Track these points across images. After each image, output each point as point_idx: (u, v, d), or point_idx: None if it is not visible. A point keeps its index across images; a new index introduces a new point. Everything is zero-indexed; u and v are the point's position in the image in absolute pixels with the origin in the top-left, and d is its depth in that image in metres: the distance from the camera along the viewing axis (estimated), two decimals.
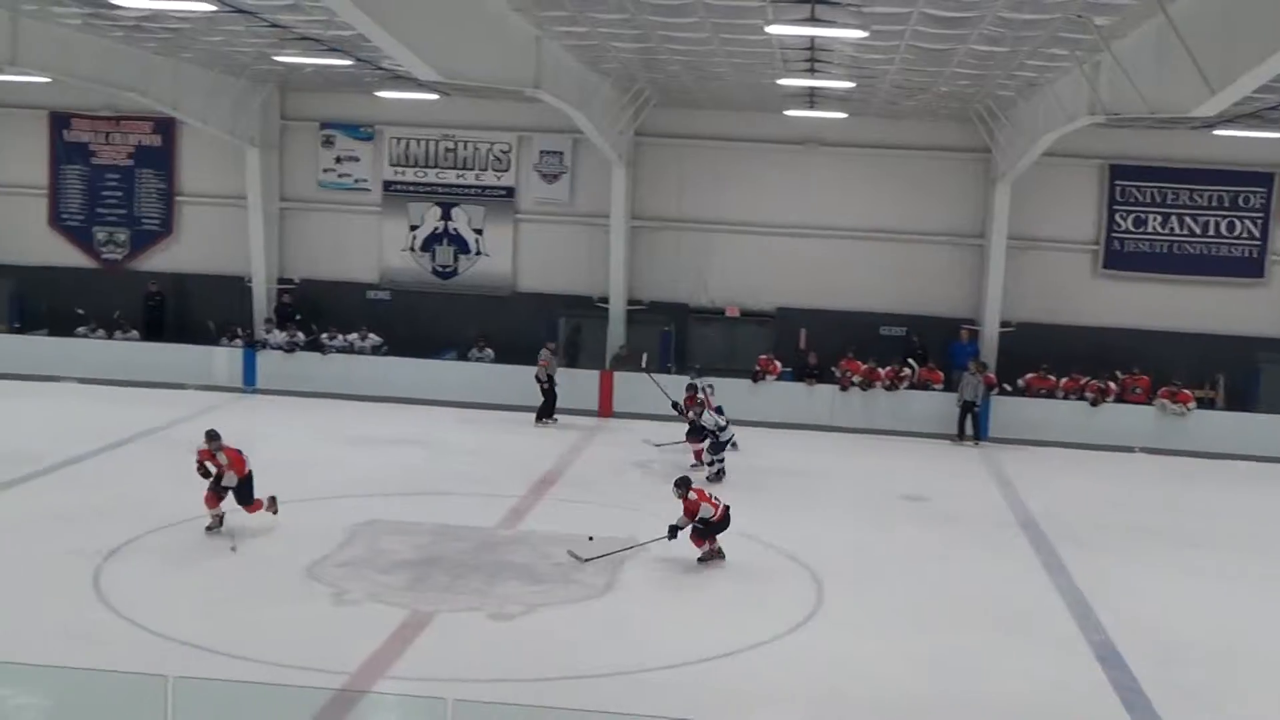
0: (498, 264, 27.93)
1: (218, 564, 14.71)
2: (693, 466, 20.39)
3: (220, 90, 25.01)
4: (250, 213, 27.45)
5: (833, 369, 25.44)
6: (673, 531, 15.27)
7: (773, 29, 15.33)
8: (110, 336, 26.97)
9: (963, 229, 26.78)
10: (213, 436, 15.69)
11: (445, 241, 28.07)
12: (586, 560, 15.01)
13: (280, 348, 26.17)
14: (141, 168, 28.34)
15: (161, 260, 28.45)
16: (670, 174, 27.38)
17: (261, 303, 27.75)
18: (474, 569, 14.79)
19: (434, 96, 25.89)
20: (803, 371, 25.56)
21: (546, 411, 23.99)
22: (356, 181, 28.14)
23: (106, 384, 25.16)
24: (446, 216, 28.00)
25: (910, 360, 25.65)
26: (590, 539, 15.54)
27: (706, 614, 13.74)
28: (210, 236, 28.27)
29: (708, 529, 15.41)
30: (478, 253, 28.03)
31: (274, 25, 18.23)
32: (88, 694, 9.19)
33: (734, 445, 20.81)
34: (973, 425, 24.24)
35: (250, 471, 15.73)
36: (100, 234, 28.53)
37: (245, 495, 15.73)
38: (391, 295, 28.09)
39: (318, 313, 27.37)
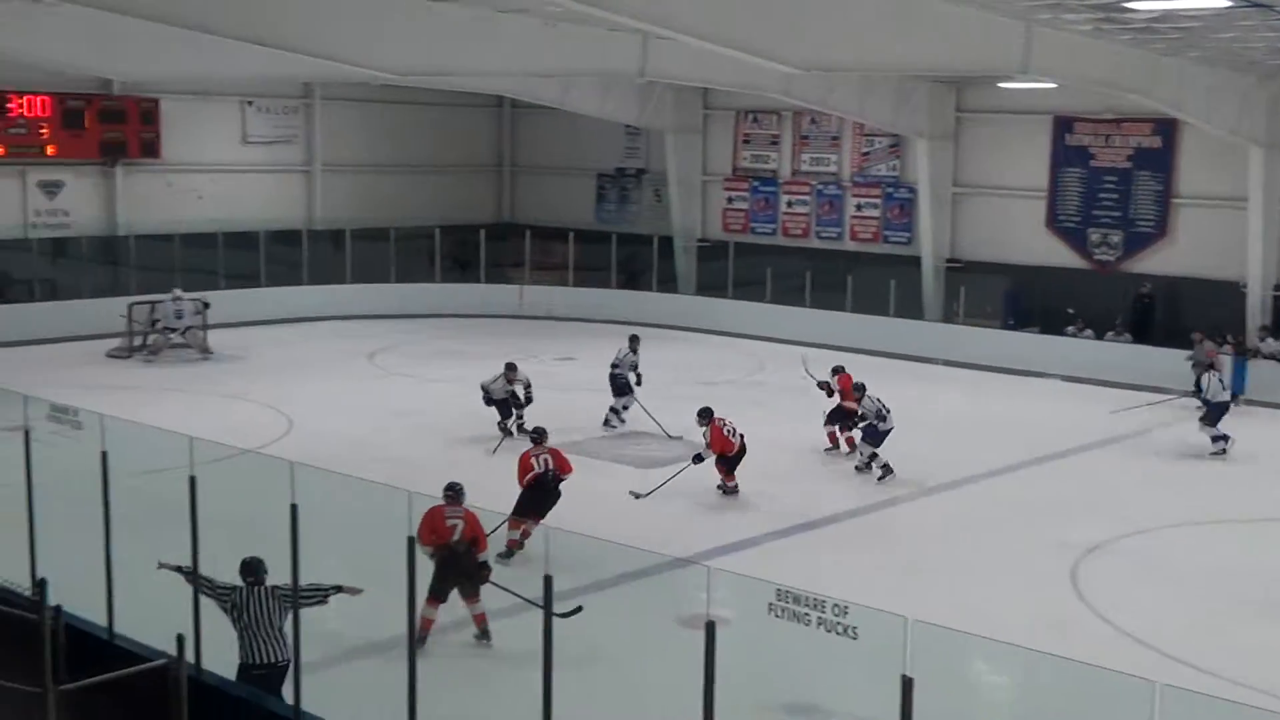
0: None
1: (1196, 577, 14.32)
2: (826, 450, 19.36)
3: (1223, 88, 24.18)
4: (1250, 215, 26.27)
5: None
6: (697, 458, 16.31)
7: None
8: (1099, 337, 27.30)
9: None
10: None
11: None
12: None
13: (1274, 357, 24.81)
14: (1139, 170, 28.26)
15: (1154, 263, 28.20)
16: None
17: (1255, 309, 26.47)
18: None
19: None
20: None
21: None
22: None
23: (1091, 383, 25.48)
24: None
25: None
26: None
27: None
28: (1205, 239, 27.49)
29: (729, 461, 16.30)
30: None
31: None
32: (1059, 680, 9.41)
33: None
34: None
35: None
36: (1094, 235, 28.93)
37: None
38: None
39: None
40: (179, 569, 9.53)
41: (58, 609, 8.14)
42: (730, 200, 33.51)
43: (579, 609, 9.98)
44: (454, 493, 11.92)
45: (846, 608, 6.04)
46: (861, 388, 18.63)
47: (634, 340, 21.51)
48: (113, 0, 19.79)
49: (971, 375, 26.44)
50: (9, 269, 28.26)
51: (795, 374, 21.28)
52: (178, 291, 26.07)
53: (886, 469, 17.96)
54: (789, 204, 32.68)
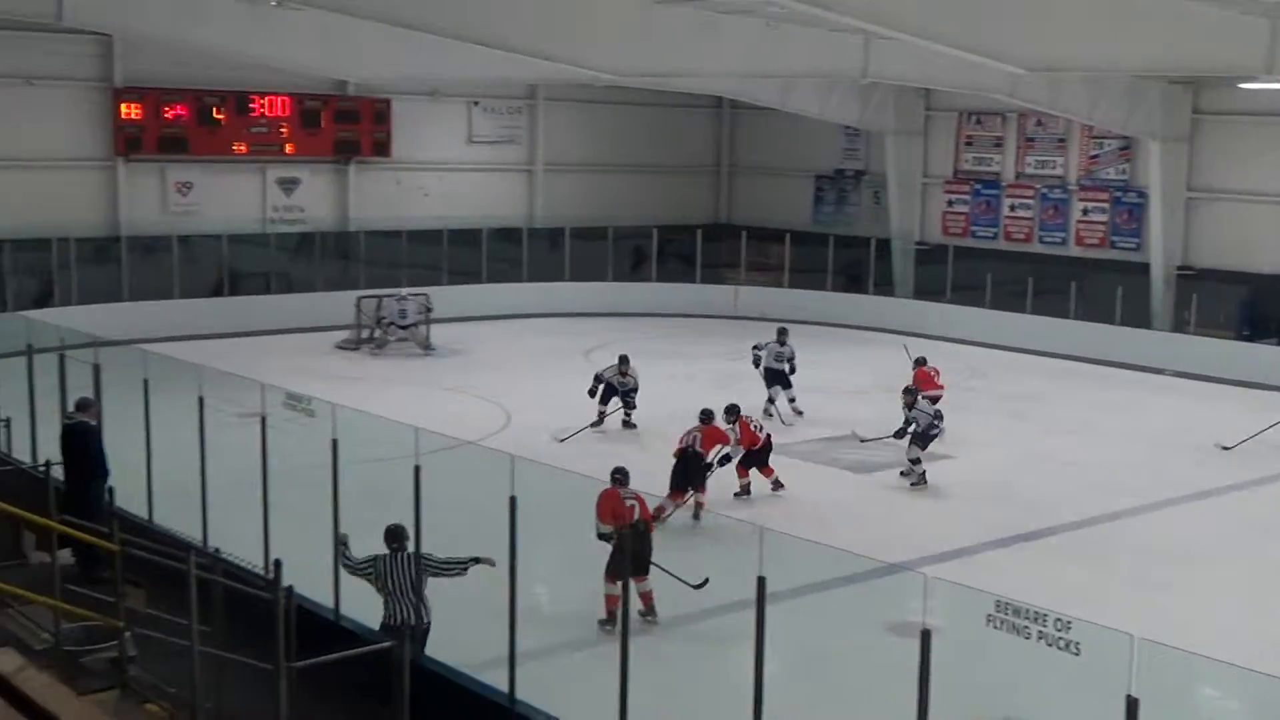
0: None
1: None
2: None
3: None
4: None
5: None
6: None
7: None
8: None
9: None
10: None
11: None
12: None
13: None
14: None
15: None
16: None
17: None
18: None
19: None
20: None
21: None
22: None
23: None
24: None
25: None
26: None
27: None
28: None
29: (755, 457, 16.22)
30: None
31: None
32: None
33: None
34: None
35: None
36: None
37: None
38: None
39: None
40: (339, 540, 10.11)
41: (289, 589, 8.48)
42: (950, 203, 32.91)
43: (706, 581, 11.06)
44: (621, 476, 12.30)
45: (1069, 623, 5.87)
46: (913, 391, 18.08)
47: (781, 332, 21.50)
48: (350, 4, 20.56)
49: (1202, 387, 25.36)
50: (248, 262, 29.60)
51: (1013, 380, 20.80)
52: (404, 291, 26.96)
53: (922, 478, 17.38)
54: (1011, 207, 31.90)
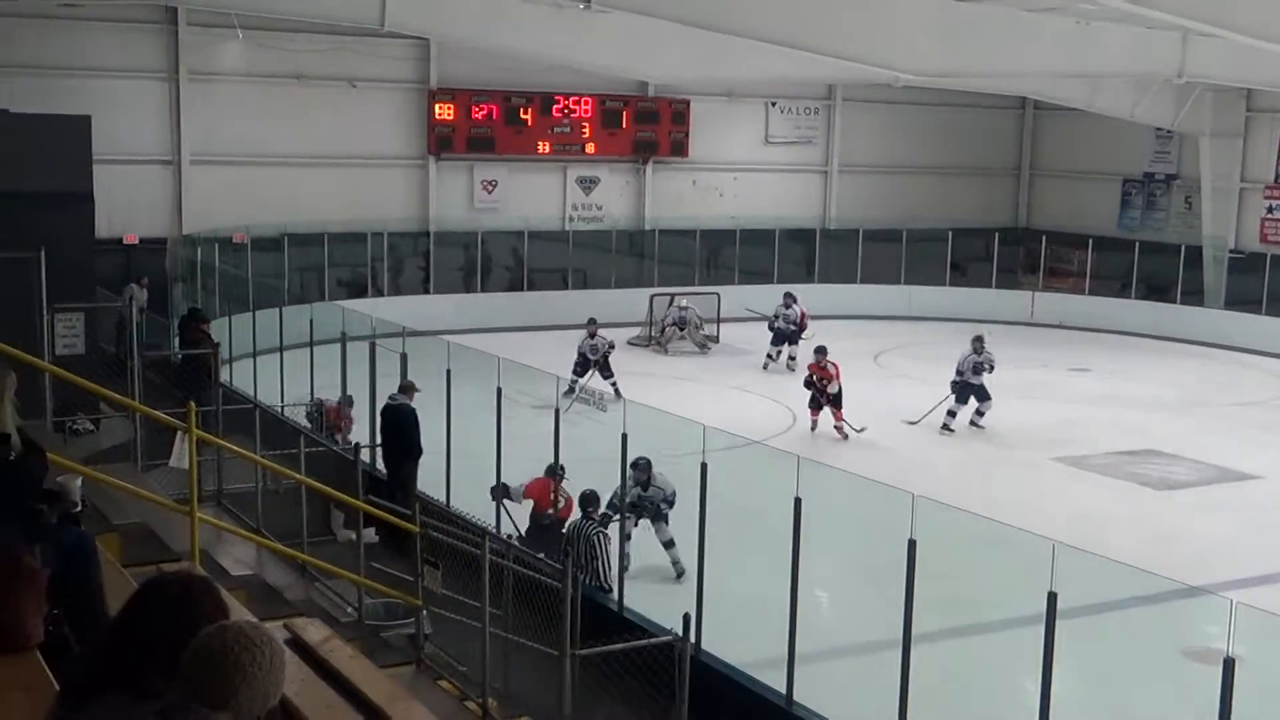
0: None
1: None
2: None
3: None
4: None
5: None
6: None
7: None
8: None
9: None
10: None
11: None
12: None
13: None
14: None
15: None
16: None
17: None
18: None
19: None
20: None
21: None
22: None
23: None
24: None
25: None
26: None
27: None
28: None
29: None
30: None
31: None
32: None
33: None
34: None
35: None
36: None
37: None
38: None
39: None
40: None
41: (576, 580, 8.72)
42: (1270, 209, 31.01)
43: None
44: (561, 472, 12.35)
45: None
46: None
47: (977, 340, 20.39)
48: (652, 6, 20.93)
49: None
50: (547, 259, 30.48)
51: None
52: (683, 301, 27.31)
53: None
54: None
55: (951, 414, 20.00)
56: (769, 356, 24.88)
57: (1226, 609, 6.25)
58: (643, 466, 11.87)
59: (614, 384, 20.74)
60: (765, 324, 25.15)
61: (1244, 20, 16.10)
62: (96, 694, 3.28)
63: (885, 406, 21.12)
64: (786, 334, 24.81)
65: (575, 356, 21.40)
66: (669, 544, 12.49)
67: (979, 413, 20.01)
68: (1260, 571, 14.01)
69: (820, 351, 19.78)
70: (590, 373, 20.97)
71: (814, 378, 19.50)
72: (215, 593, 3.48)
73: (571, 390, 19.58)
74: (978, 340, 20.40)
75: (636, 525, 12.10)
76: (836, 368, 19.45)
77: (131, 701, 3.21)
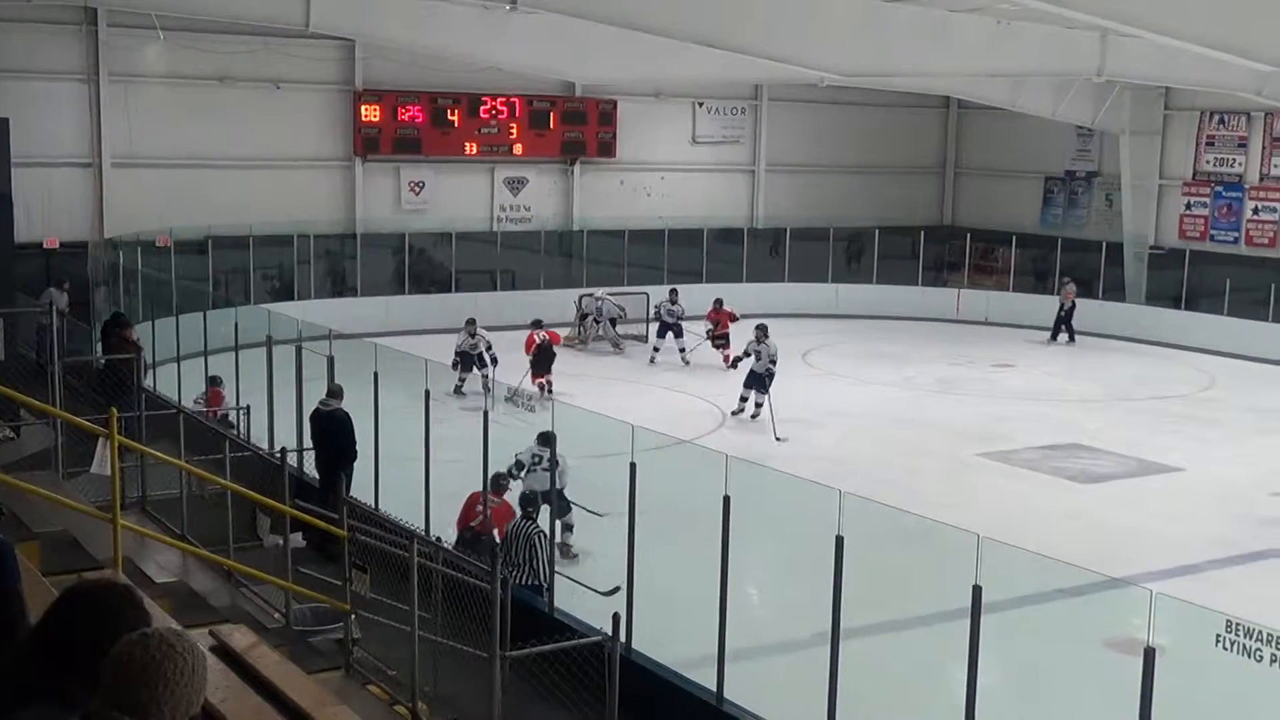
0: None
1: None
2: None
3: None
4: None
5: None
6: None
7: None
8: None
9: None
10: None
11: None
12: None
13: None
14: None
15: None
16: None
17: None
18: None
19: None
20: None
21: None
22: None
23: None
24: None
25: None
26: None
27: None
28: None
29: None
30: None
31: None
32: None
33: None
34: None
35: None
36: None
37: None
38: None
39: None
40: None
41: (505, 582, 8.70)
42: (1189, 206, 31.58)
43: (617, 589, 10.20)
44: (502, 483, 12.48)
45: None
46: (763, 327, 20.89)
47: (760, 329, 20.86)
48: (580, 6, 20.92)
49: None
50: (475, 260, 30.33)
51: (1253, 391, 19.85)
52: (600, 292, 27.43)
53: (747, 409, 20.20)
54: (1255, 210, 30.43)
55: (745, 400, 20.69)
56: (655, 350, 25.75)
57: (1147, 600, 6.36)
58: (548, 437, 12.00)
59: (543, 384, 20.75)
60: (652, 318, 26.50)
61: (1160, 20, 16.37)
62: (20, 703, 3.24)
63: (815, 404, 21.27)
64: (671, 326, 25.64)
65: (453, 356, 21.34)
66: (569, 527, 12.96)
67: (756, 404, 20.39)
68: (1180, 562, 14.28)
69: (718, 302, 24.53)
70: (472, 371, 21.09)
71: (711, 326, 24.03)
72: (137, 600, 3.44)
73: (459, 390, 20.01)
74: (760, 329, 20.99)
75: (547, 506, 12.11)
76: (731, 314, 24.13)
77: (54, 711, 3.17)
